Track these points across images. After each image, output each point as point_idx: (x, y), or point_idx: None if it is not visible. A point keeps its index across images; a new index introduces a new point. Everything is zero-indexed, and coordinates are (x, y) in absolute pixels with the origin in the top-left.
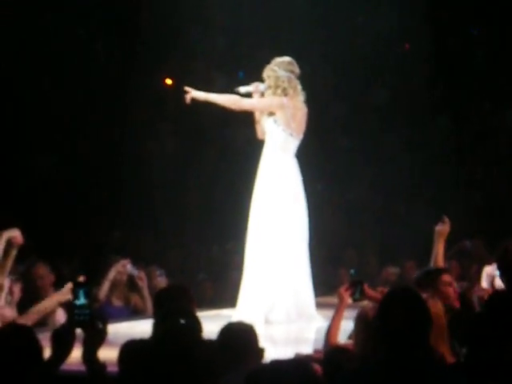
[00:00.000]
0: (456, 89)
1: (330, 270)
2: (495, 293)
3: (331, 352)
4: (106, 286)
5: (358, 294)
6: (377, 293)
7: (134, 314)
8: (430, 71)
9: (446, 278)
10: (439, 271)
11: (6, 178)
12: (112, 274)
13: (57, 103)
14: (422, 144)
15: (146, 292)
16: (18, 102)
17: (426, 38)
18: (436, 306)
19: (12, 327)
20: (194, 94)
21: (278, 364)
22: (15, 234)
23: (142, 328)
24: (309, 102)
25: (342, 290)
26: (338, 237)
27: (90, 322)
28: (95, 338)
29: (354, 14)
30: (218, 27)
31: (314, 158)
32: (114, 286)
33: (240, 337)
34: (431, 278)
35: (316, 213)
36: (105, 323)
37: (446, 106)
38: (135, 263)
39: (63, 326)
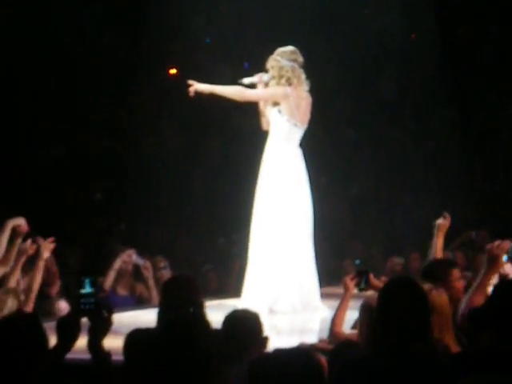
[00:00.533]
0: (463, 81)
1: (335, 261)
2: (502, 282)
3: (339, 345)
4: (111, 276)
5: (364, 283)
6: (381, 282)
7: (139, 303)
8: (437, 63)
9: (457, 272)
10: (451, 265)
11: (11, 167)
12: (118, 264)
13: (61, 95)
14: (427, 136)
15: (151, 282)
16: (21, 93)
17: (432, 30)
18: (440, 297)
19: (17, 315)
20: (197, 86)
21: (280, 353)
22: (20, 222)
23: (147, 317)
24: (315, 93)
25: (348, 279)
26: (343, 228)
27: (96, 311)
28: (100, 327)
29: (361, 5)
30: (223, 18)
31: (319, 149)
32: (120, 275)
33: (244, 325)
34: (443, 271)
35: (321, 204)
36: (110, 312)
37: (452, 99)
38: (141, 253)
39: (68, 315)
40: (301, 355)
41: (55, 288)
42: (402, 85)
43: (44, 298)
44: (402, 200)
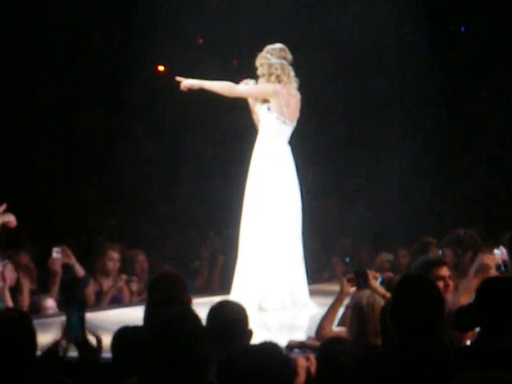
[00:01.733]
0: (451, 77)
1: (324, 258)
2: (487, 280)
3: (326, 343)
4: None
5: (362, 284)
6: (376, 281)
7: None
8: (426, 59)
9: (439, 271)
10: (434, 264)
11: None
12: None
13: (54, 91)
14: (417, 132)
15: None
16: (11, 91)
17: (421, 25)
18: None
19: (7, 313)
20: (187, 82)
21: (250, 349)
22: (10, 218)
23: (134, 315)
24: (305, 90)
25: (345, 280)
26: (332, 225)
27: (83, 341)
28: (89, 359)
29: (351, 2)
30: (213, 15)
31: (308, 146)
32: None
33: (227, 317)
34: (425, 269)
35: (310, 201)
36: (99, 341)
37: (441, 95)
38: (130, 248)
39: (54, 346)
40: (270, 351)
41: (33, 285)
42: (391, 82)
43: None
44: (391, 196)
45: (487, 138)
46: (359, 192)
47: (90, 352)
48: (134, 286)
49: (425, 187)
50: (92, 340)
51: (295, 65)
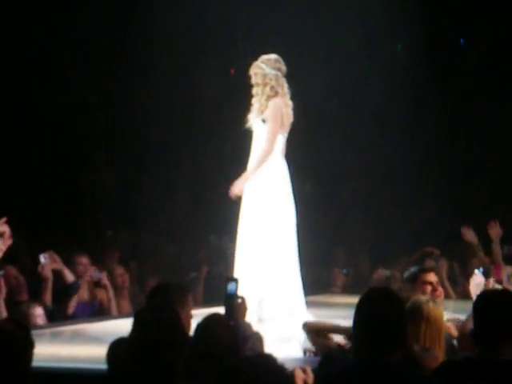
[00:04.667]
0: (448, 87)
1: (321, 270)
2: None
3: (326, 355)
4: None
5: None
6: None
7: (100, 311)
8: (423, 69)
9: (426, 277)
10: (421, 270)
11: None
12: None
13: (49, 100)
14: (414, 144)
15: (111, 293)
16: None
17: (418, 35)
18: (436, 310)
19: (3, 324)
20: (236, 188)
21: (248, 361)
22: (4, 228)
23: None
24: (302, 100)
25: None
26: (329, 236)
27: None
28: None
29: (348, 12)
30: (209, 24)
31: (305, 157)
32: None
33: (216, 334)
34: (413, 277)
35: (307, 212)
36: None
37: (437, 105)
38: (127, 259)
39: None
40: (266, 362)
41: (24, 295)
42: (388, 91)
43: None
44: (388, 207)
45: (487, 149)
46: (355, 203)
47: None
48: (105, 280)
49: (422, 199)
50: None
51: (293, 75)
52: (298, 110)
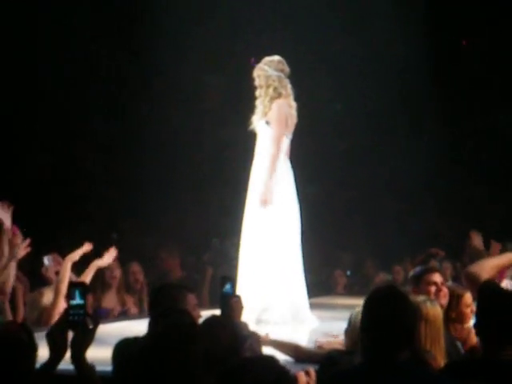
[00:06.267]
0: (451, 93)
1: (325, 272)
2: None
3: (327, 356)
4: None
5: None
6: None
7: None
8: (426, 76)
9: (431, 277)
10: (426, 270)
11: (3, 176)
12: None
13: (54, 102)
14: (418, 147)
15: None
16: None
17: (422, 42)
18: (434, 309)
19: (7, 327)
20: (266, 198)
21: (247, 362)
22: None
23: (134, 328)
24: (305, 103)
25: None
26: (334, 239)
27: (83, 323)
28: (85, 340)
29: (353, 18)
30: (212, 27)
31: (309, 160)
32: (107, 287)
33: (217, 335)
34: (417, 278)
35: (311, 214)
36: (96, 325)
37: (441, 110)
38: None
39: (55, 326)
40: (268, 365)
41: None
42: (392, 97)
43: None
44: (392, 210)
45: (489, 152)
46: (360, 206)
47: (87, 334)
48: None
49: (426, 202)
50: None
51: (297, 78)
52: (303, 114)
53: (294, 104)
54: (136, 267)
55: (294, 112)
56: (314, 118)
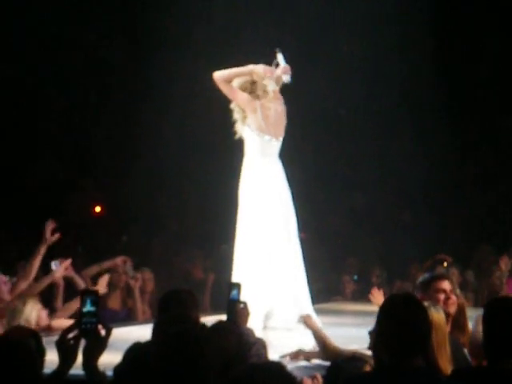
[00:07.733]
0: (458, 97)
1: (332, 277)
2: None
3: (335, 362)
4: (93, 270)
5: None
6: None
7: (129, 318)
8: (433, 78)
9: (440, 284)
10: (435, 277)
11: (9, 182)
12: (107, 264)
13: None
14: (425, 152)
15: (137, 293)
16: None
17: (428, 43)
18: (438, 315)
19: (15, 331)
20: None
21: (253, 368)
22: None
23: (139, 333)
24: (312, 107)
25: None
26: (341, 244)
27: (95, 331)
28: (97, 347)
29: (358, 22)
30: (212, 29)
31: (316, 164)
32: (112, 288)
33: (224, 341)
34: (425, 285)
35: (319, 220)
36: (108, 332)
37: (449, 114)
38: (140, 265)
39: (66, 334)
40: (274, 370)
41: None
42: (401, 100)
43: None
44: (400, 216)
45: (498, 154)
46: (369, 211)
47: (100, 342)
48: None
49: (434, 206)
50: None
51: (301, 83)
52: (309, 119)
53: (271, 105)
54: (148, 274)
55: (271, 113)
56: (321, 123)
